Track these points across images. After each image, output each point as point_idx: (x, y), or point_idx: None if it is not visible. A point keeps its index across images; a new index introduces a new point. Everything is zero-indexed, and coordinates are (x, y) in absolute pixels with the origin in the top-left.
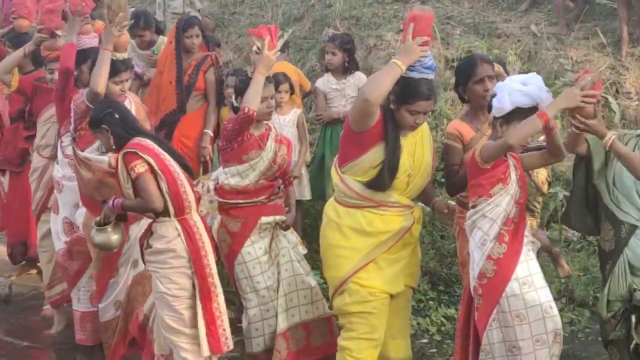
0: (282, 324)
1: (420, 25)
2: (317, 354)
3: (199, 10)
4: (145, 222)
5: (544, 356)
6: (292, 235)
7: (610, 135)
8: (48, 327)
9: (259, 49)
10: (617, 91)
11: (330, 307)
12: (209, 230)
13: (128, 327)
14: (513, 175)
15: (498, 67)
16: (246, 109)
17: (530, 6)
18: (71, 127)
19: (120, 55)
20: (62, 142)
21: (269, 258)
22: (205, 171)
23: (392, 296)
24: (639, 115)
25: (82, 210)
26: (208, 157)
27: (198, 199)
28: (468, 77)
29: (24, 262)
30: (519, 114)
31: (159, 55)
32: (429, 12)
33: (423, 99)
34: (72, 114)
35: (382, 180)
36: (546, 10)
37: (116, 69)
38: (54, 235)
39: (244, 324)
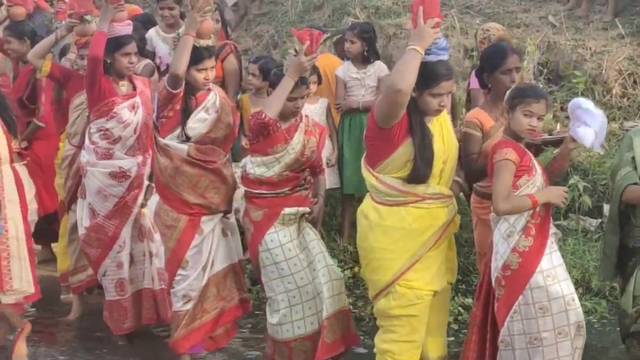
0: (325, 312)
1: (429, 7)
2: (342, 346)
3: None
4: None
5: (567, 348)
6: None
7: None
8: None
9: (296, 51)
10: (634, 82)
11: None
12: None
13: (195, 325)
14: (538, 167)
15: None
16: (263, 115)
17: None
18: (154, 115)
19: (204, 42)
20: (90, 128)
21: (294, 246)
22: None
23: (435, 294)
24: None
25: (155, 198)
26: None
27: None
28: (496, 66)
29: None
30: (522, 102)
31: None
32: None
33: (444, 79)
34: (155, 101)
35: (420, 172)
36: (565, 0)
37: (199, 55)
38: (78, 221)
39: (271, 315)
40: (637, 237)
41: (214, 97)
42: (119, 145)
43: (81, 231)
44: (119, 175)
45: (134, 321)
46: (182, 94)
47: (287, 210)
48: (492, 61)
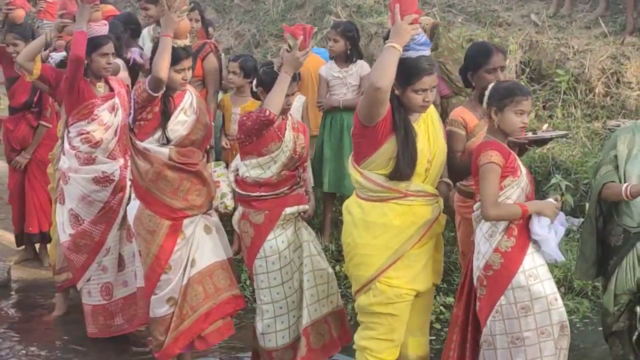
0: (305, 320)
1: (405, 4)
2: (338, 347)
3: None
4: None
5: (550, 348)
6: (310, 228)
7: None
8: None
9: (290, 47)
10: (618, 80)
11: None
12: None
13: (184, 326)
14: (522, 168)
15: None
16: (267, 112)
17: None
18: (130, 118)
19: (182, 42)
20: (69, 132)
21: (290, 251)
22: (209, 158)
23: (417, 294)
24: (639, 105)
25: (135, 203)
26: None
27: None
28: (480, 65)
29: (23, 246)
30: (512, 102)
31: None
32: None
33: (426, 74)
34: (132, 104)
35: (402, 169)
36: (547, 0)
37: (177, 56)
38: (59, 226)
39: (257, 321)
40: (619, 236)
41: (191, 98)
42: (101, 149)
43: (63, 238)
44: (103, 180)
45: (126, 324)
46: (160, 96)
47: (288, 210)
48: (476, 60)
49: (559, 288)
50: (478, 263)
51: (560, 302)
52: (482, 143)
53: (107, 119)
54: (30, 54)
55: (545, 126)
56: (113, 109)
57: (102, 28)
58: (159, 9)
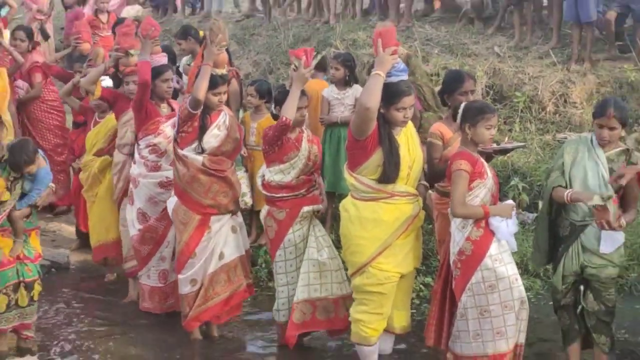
0: (299, 296)
1: (386, 38)
2: (319, 327)
3: None
4: (227, 219)
5: (512, 319)
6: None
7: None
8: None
9: (296, 67)
10: (565, 101)
11: None
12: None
13: (208, 305)
14: (489, 172)
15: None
16: (284, 118)
17: (495, 31)
18: (174, 130)
19: (220, 71)
20: (139, 144)
21: (304, 244)
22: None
23: (401, 276)
24: (583, 121)
25: (174, 199)
26: None
27: None
28: (454, 89)
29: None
30: (483, 118)
31: (192, 67)
32: (390, 26)
33: (405, 95)
34: (177, 118)
35: (389, 174)
36: (508, 35)
37: (215, 82)
38: (129, 222)
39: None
40: (566, 228)
41: (225, 117)
42: (165, 158)
43: (133, 232)
44: (167, 184)
45: (175, 303)
46: (199, 114)
47: (305, 208)
48: (451, 84)
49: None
50: (453, 249)
51: (520, 281)
52: (455, 153)
53: (170, 133)
54: (92, 79)
55: (506, 139)
56: (174, 125)
57: (162, 58)
58: (189, 43)
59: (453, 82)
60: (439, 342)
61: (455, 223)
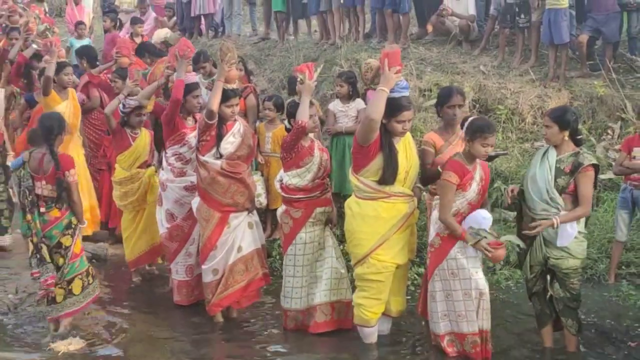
0: (317, 300)
1: (392, 59)
2: (334, 326)
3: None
4: (245, 216)
5: (471, 306)
6: (334, 237)
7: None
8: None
9: (301, 80)
10: (542, 113)
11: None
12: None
13: (228, 292)
14: (474, 186)
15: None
16: (300, 122)
17: (480, 52)
18: (195, 139)
19: (231, 86)
20: (166, 153)
21: (314, 246)
22: None
23: (398, 266)
24: None
25: (197, 199)
26: None
27: None
28: (444, 102)
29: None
30: (481, 136)
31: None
32: (397, 48)
33: (405, 110)
34: (197, 130)
35: (388, 177)
36: (492, 55)
37: (227, 96)
38: (158, 222)
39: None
40: (530, 224)
41: (239, 126)
42: (189, 165)
43: (162, 230)
44: (191, 188)
45: (199, 295)
46: (215, 123)
47: (318, 209)
48: (441, 99)
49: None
50: (429, 239)
51: (479, 275)
52: (450, 161)
53: (194, 143)
54: (147, 94)
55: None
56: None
57: (194, 77)
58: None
59: (443, 97)
60: (425, 313)
61: (432, 217)
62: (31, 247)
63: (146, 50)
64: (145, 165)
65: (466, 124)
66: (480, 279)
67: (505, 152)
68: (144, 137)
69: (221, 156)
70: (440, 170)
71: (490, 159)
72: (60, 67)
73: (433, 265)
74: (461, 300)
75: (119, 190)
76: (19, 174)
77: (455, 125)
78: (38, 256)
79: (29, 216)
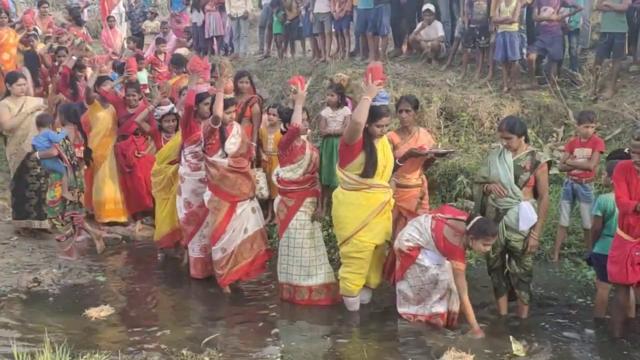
0: (317, 281)
1: (375, 73)
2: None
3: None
4: (248, 203)
5: (438, 297)
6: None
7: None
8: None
9: (294, 91)
10: (498, 119)
11: None
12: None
13: (237, 267)
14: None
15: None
16: (295, 124)
17: (447, 68)
18: (202, 143)
19: (228, 96)
20: (184, 151)
21: (303, 230)
22: (252, 166)
23: (376, 246)
24: None
25: (209, 192)
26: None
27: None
28: (397, 107)
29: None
30: (484, 238)
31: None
32: (379, 64)
33: (384, 116)
34: (203, 135)
35: (369, 171)
36: (456, 71)
37: (226, 104)
38: (177, 209)
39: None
40: (489, 214)
41: (237, 128)
42: (203, 161)
43: (180, 215)
44: (205, 180)
45: (211, 270)
46: (219, 127)
47: (308, 199)
48: (397, 104)
49: None
50: (397, 242)
51: (443, 275)
52: (458, 250)
53: None
54: (142, 118)
55: (439, 145)
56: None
57: (205, 87)
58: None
59: (397, 104)
60: (389, 278)
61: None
62: (71, 197)
63: (174, 63)
64: (174, 162)
65: (472, 222)
66: (444, 280)
67: (453, 150)
68: (175, 140)
69: (226, 155)
70: (398, 163)
71: (440, 155)
72: (101, 80)
73: (402, 270)
74: (429, 296)
75: (152, 180)
76: (65, 143)
77: (409, 126)
78: (76, 202)
79: (77, 172)
